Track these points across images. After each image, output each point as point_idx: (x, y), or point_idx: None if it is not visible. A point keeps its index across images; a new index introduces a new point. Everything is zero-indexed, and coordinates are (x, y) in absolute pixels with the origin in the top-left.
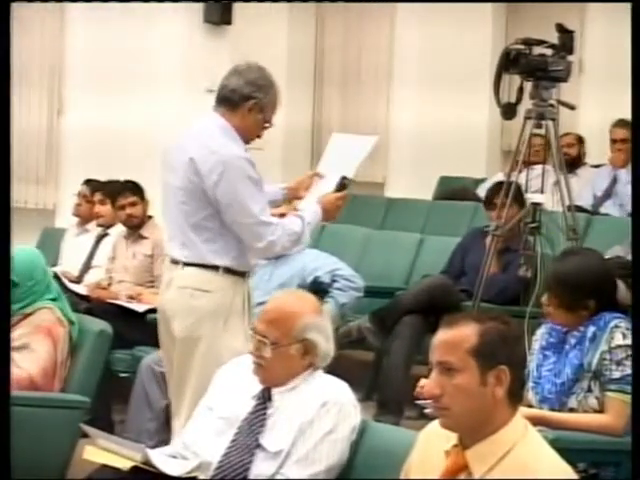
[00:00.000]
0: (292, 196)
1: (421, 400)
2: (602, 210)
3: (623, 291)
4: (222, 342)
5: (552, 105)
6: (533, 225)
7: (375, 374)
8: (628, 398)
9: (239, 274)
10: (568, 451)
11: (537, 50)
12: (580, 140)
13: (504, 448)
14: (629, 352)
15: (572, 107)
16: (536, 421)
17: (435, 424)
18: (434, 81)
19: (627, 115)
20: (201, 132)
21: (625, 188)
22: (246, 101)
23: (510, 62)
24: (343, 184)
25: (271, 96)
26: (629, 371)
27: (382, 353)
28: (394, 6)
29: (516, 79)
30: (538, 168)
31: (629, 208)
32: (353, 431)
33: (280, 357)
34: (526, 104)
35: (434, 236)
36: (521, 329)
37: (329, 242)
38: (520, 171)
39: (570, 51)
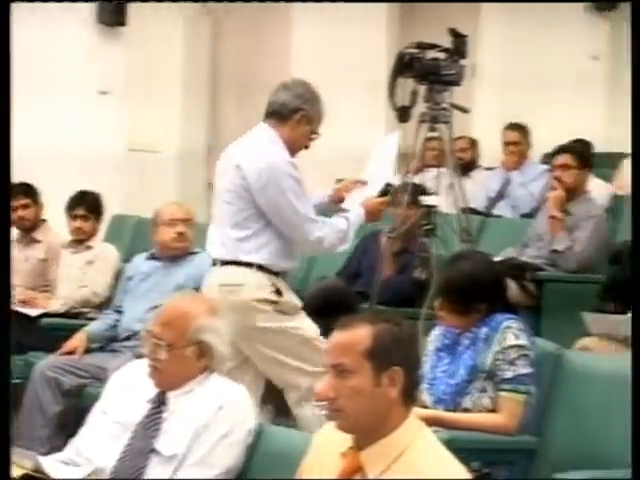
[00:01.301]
0: (336, 199)
1: (317, 402)
2: (495, 212)
3: (514, 291)
4: (275, 323)
5: (445, 109)
6: (428, 227)
7: None
8: (521, 397)
9: (273, 273)
10: (462, 451)
11: (430, 54)
12: (473, 143)
13: (398, 449)
14: (521, 352)
15: (465, 110)
16: (431, 422)
17: (330, 426)
18: (331, 85)
19: (520, 118)
20: (251, 142)
21: (517, 190)
22: (295, 113)
23: (404, 66)
24: (387, 190)
25: (317, 108)
26: (521, 371)
27: None
28: (290, 8)
29: (411, 82)
30: (433, 171)
31: (521, 209)
32: (249, 434)
33: (175, 360)
34: (421, 107)
35: None
36: (415, 330)
37: None
38: (416, 173)
39: (463, 55)
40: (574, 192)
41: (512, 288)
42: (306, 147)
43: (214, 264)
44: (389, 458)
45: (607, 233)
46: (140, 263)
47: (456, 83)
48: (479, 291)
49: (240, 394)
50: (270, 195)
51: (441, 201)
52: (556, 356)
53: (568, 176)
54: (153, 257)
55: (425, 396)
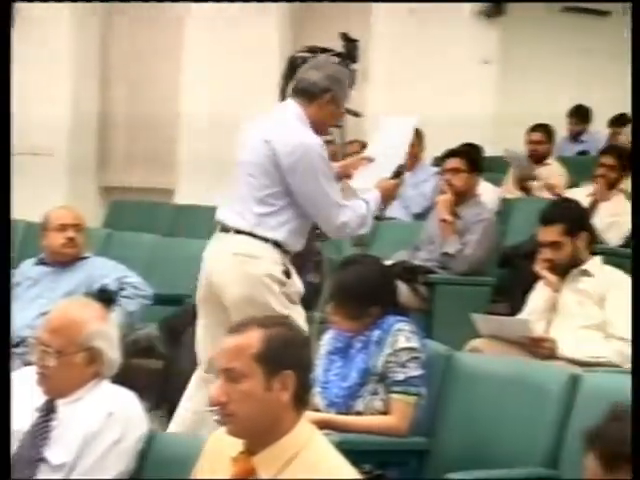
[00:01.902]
0: (343, 175)
1: (209, 408)
2: (387, 213)
3: (406, 294)
4: (278, 306)
5: None
6: (319, 231)
7: (164, 383)
8: (412, 399)
9: (285, 251)
10: (354, 453)
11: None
12: (365, 146)
13: (290, 453)
14: (412, 354)
15: (357, 114)
16: (323, 425)
17: (222, 431)
18: (225, 87)
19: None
20: (280, 117)
21: (409, 191)
22: (325, 93)
23: (296, 69)
24: (399, 171)
25: (345, 89)
26: (413, 373)
27: (171, 362)
28: (183, 8)
29: None
30: None
31: (413, 209)
32: (140, 440)
33: (65, 366)
34: None
35: None
36: (308, 334)
37: (117, 250)
38: None
39: (354, 59)
40: (464, 196)
41: (404, 291)
42: (332, 126)
43: (222, 231)
44: (281, 462)
45: (496, 236)
46: (28, 268)
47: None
48: (371, 295)
49: (130, 401)
50: (301, 175)
51: None
52: (446, 357)
53: (458, 180)
54: (42, 262)
55: (318, 399)
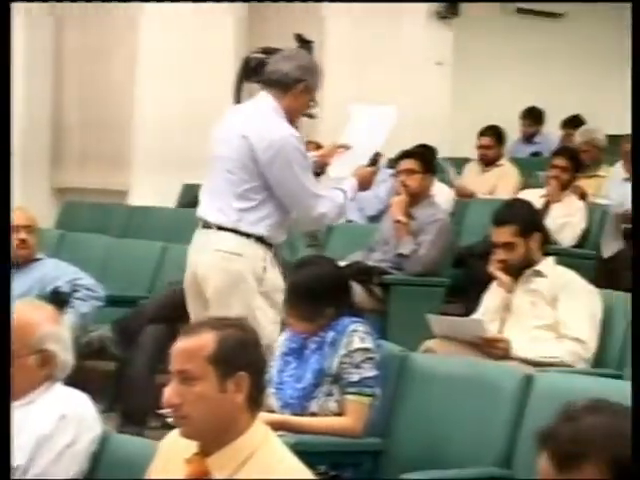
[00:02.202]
0: (321, 164)
1: (163, 409)
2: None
3: (360, 295)
4: (256, 303)
5: None
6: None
7: (118, 385)
8: (366, 400)
9: (268, 245)
10: (309, 454)
11: None
12: (319, 147)
13: (244, 454)
14: (367, 355)
15: (312, 116)
16: (277, 426)
17: (176, 433)
18: (179, 87)
19: None
20: (255, 112)
21: (364, 193)
22: (297, 83)
23: (250, 70)
24: (375, 159)
25: (317, 79)
26: (367, 374)
27: (125, 363)
28: (137, 9)
29: (257, 87)
30: None
31: (368, 212)
32: (93, 443)
33: (17, 369)
34: None
35: (178, 244)
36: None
37: (70, 251)
38: None
39: None
40: (418, 196)
41: (358, 292)
42: (310, 116)
43: (204, 227)
44: (235, 463)
45: (451, 237)
46: None
47: None
48: (325, 296)
49: (83, 403)
50: (278, 168)
51: None
52: (401, 358)
53: (412, 181)
54: None
55: (272, 401)
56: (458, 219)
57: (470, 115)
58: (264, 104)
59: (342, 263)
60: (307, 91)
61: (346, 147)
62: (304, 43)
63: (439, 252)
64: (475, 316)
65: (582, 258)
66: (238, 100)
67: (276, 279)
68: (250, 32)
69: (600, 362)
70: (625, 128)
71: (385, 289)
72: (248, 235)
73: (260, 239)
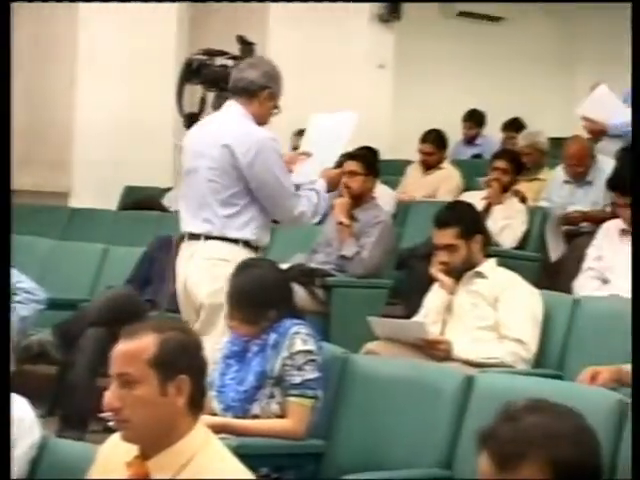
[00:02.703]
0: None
1: (104, 413)
2: None
3: (303, 297)
4: None
5: None
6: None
7: (58, 389)
8: (308, 402)
9: (254, 248)
10: (251, 457)
11: (219, 61)
12: None
13: (185, 457)
14: (309, 357)
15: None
16: (219, 429)
17: (116, 436)
18: (121, 90)
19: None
20: (228, 120)
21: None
22: (262, 90)
23: (192, 72)
24: (342, 162)
25: (280, 85)
26: (309, 376)
27: (65, 367)
28: (79, 8)
29: (199, 89)
30: None
31: None
32: (32, 448)
33: None
34: (210, 114)
35: (119, 247)
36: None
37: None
38: None
39: None
40: (361, 198)
41: (301, 294)
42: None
43: (191, 239)
44: (176, 466)
45: (393, 239)
46: None
47: None
48: (268, 299)
49: (22, 407)
50: (258, 170)
51: None
52: (343, 360)
53: (355, 182)
54: None
55: (214, 403)
56: (400, 221)
57: (412, 117)
58: (234, 112)
59: (284, 265)
60: (271, 98)
61: (307, 154)
62: (246, 45)
63: (381, 254)
64: (417, 318)
65: (523, 260)
66: (180, 102)
67: None
68: (192, 33)
69: (540, 363)
70: (565, 131)
71: (327, 291)
72: (236, 241)
73: (247, 244)
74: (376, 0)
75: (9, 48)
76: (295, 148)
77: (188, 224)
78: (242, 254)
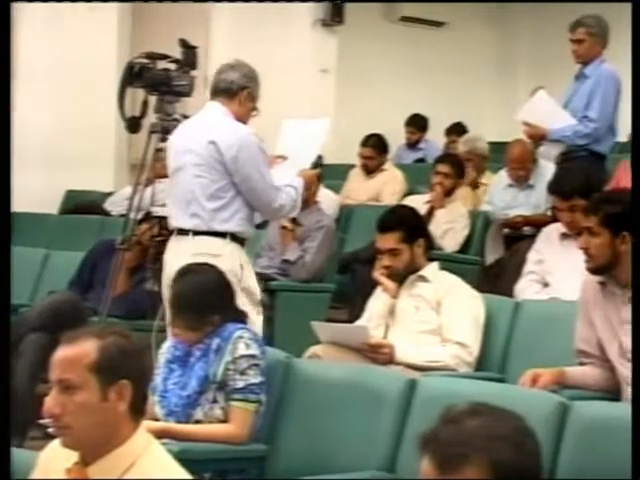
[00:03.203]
0: None
1: (44, 420)
2: None
3: (246, 302)
4: (240, 300)
5: (177, 119)
6: (160, 239)
7: None
8: (251, 406)
9: (240, 241)
10: (193, 462)
11: (161, 64)
12: None
13: (126, 462)
14: (252, 361)
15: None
16: (161, 434)
17: (56, 443)
18: (61, 93)
19: (254, 128)
20: (212, 119)
21: None
22: (242, 91)
23: (134, 76)
24: (317, 163)
25: (258, 87)
26: (252, 380)
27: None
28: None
29: (141, 93)
30: (164, 182)
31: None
32: None
33: None
34: (152, 118)
35: (60, 251)
36: (147, 343)
37: None
38: (147, 185)
39: (193, 66)
40: (304, 203)
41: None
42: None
43: (179, 234)
44: (117, 472)
45: (336, 243)
46: None
47: (187, 94)
48: (211, 304)
49: None
50: (242, 164)
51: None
52: (286, 364)
53: None
54: None
55: (157, 408)
56: (343, 225)
57: (355, 122)
58: (217, 111)
59: None
60: (250, 98)
61: (283, 157)
62: (188, 48)
63: (324, 258)
64: (360, 322)
65: (465, 263)
66: (122, 105)
67: (251, 276)
68: (134, 34)
69: (483, 366)
70: (507, 135)
71: (271, 295)
72: (223, 235)
73: (233, 236)
74: (320, 0)
75: (9, 48)
76: None
77: (176, 220)
78: (230, 248)
